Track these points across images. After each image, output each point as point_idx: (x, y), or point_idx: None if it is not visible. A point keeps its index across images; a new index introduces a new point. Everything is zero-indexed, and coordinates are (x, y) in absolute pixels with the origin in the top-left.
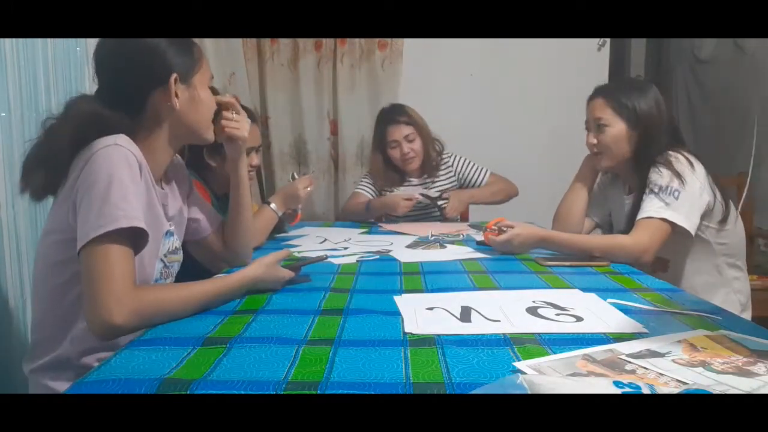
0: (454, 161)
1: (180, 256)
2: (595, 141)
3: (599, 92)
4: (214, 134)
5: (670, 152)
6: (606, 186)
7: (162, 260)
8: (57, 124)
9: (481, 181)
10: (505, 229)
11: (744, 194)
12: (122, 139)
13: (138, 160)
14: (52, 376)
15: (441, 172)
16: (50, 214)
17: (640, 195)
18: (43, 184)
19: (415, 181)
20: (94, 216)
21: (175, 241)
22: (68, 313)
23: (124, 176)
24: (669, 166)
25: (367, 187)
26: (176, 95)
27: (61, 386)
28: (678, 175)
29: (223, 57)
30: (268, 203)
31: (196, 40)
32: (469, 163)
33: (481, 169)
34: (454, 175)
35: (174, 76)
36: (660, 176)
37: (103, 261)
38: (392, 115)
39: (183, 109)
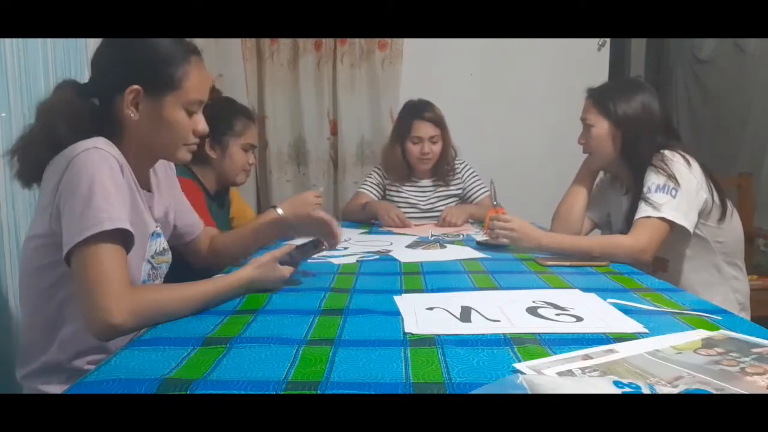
0: (463, 170)
1: (168, 258)
2: (582, 141)
3: (588, 94)
4: (189, 156)
5: (665, 151)
6: (605, 186)
7: (149, 261)
8: (39, 107)
9: (477, 197)
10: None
11: None
12: (102, 142)
13: (119, 162)
14: (44, 381)
15: (451, 179)
16: (33, 219)
17: (637, 194)
18: (23, 169)
19: (423, 183)
20: (78, 220)
21: (163, 242)
22: (55, 318)
23: (105, 179)
24: (665, 165)
25: (370, 187)
26: (136, 107)
27: (54, 390)
28: (674, 174)
29: (211, 57)
30: (275, 207)
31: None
32: (473, 176)
33: (483, 186)
34: (461, 183)
35: (133, 87)
36: (657, 175)
37: (95, 263)
38: (423, 111)
39: (144, 124)
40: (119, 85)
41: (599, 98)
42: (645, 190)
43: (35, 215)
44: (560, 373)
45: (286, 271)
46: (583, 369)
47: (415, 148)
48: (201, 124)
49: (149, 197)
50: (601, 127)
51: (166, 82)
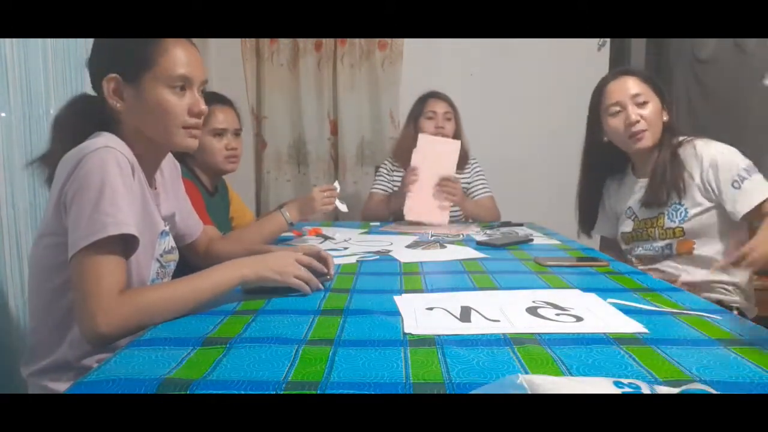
0: (472, 166)
1: (176, 256)
2: (638, 118)
3: (627, 72)
4: (193, 141)
5: (698, 139)
6: (611, 194)
7: (158, 260)
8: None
9: (477, 196)
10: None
11: None
12: (113, 141)
13: (129, 161)
14: (53, 378)
15: (461, 170)
16: (43, 216)
17: (656, 179)
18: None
19: None
20: (84, 224)
21: (171, 241)
22: (66, 316)
23: (115, 180)
24: (725, 148)
25: (380, 185)
26: (120, 97)
27: (62, 387)
28: (738, 153)
29: (211, 57)
30: (281, 209)
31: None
32: (480, 174)
33: (486, 188)
34: (468, 177)
35: (110, 76)
36: (738, 158)
37: (91, 270)
38: (437, 93)
39: (133, 112)
40: (98, 80)
41: (647, 75)
42: (733, 175)
43: (46, 211)
44: None
45: (312, 282)
46: None
47: (429, 124)
48: (197, 104)
49: (157, 196)
50: (656, 102)
51: (140, 62)
